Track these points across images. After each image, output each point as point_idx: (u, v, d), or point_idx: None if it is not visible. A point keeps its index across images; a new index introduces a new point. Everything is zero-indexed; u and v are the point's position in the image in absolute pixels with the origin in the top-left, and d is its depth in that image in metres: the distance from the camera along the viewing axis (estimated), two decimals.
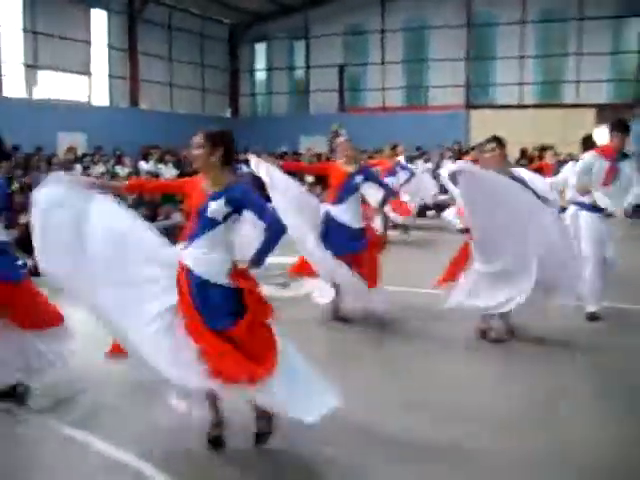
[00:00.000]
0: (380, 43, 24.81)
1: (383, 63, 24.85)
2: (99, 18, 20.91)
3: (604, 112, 20.02)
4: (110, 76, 21.40)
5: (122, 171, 16.47)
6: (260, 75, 27.56)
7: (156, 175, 17.14)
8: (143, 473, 4.20)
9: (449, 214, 15.04)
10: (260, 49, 27.28)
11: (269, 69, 27.24)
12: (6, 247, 5.30)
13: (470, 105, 23.88)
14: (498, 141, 6.41)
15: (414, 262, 11.95)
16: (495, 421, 4.87)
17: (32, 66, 18.59)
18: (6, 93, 17.90)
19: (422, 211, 18.27)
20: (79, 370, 5.99)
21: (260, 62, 27.46)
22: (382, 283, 7.39)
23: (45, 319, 5.36)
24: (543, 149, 18.98)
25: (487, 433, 4.67)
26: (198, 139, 4.30)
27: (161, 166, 17.97)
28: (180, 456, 4.37)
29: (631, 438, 4.59)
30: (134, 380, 5.00)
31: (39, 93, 18.77)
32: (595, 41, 22.04)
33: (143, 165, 17.81)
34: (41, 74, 18.84)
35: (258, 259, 4.22)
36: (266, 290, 6.84)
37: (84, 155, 17.07)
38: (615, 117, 7.67)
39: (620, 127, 7.00)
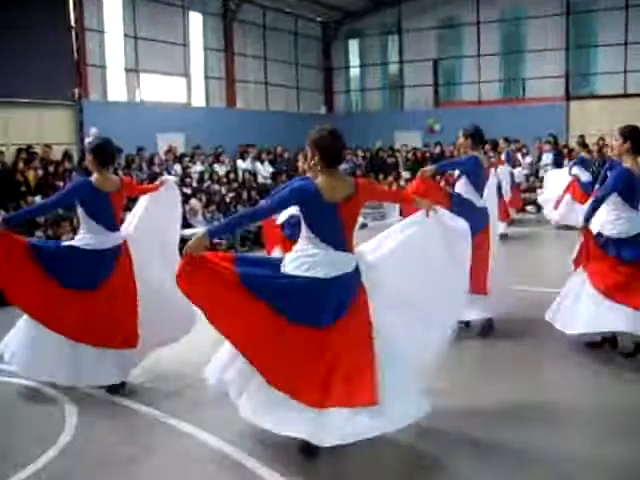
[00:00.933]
0: (475, 35, 24.34)
1: (479, 56, 24.37)
2: (195, 21, 21.36)
3: None
4: (207, 77, 21.82)
5: (220, 169, 16.82)
6: (354, 72, 27.53)
7: (253, 173, 17.45)
8: (244, 465, 4.29)
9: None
10: (353, 45, 27.25)
11: (363, 65, 27.18)
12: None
13: (570, 96, 23.13)
14: (621, 132, 6.13)
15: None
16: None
17: (133, 70, 19.16)
18: (110, 97, 18.51)
19: (522, 206, 17.89)
20: (186, 366, 6.15)
21: (354, 59, 27.42)
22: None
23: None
24: None
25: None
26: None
27: (257, 164, 18.29)
28: (279, 451, 4.39)
29: None
30: None
31: (140, 96, 19.33)
32: None
33: (240, 163, 18.16)
34: (142, 77, 19.40)
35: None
36: None
37: (182, 155, 17.48)
38: None
39: None
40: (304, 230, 4.24)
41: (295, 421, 4.05)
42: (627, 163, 5.99)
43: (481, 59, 24.33)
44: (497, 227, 7.55)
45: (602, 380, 5.62)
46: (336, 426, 3.95)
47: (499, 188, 13.35)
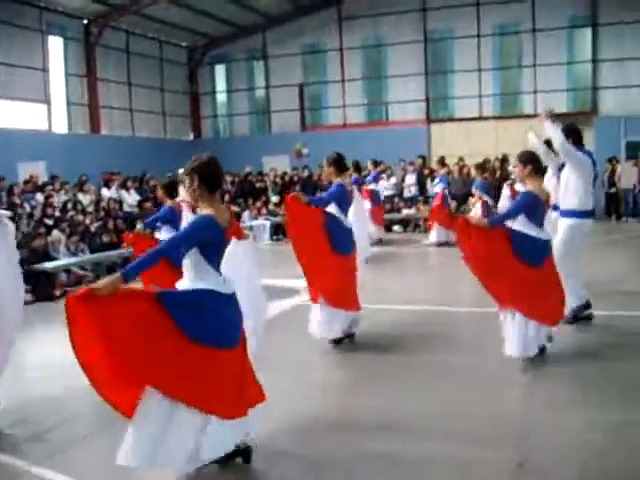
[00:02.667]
0: (339, 61, 24.94)
1: (343, 81, 24.97)
2: (55, 45, 20.74)
3: (563, 121, 20.30)
4: (69, 103, 21.21)
5: (84, 198, 16.32)
6: (221, 97, 27.53)
7: (119, 201, 17.04)
8: None
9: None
10: (220, 71, 27.27)
11: (229, 90, 27.23)
12: None
13: (431, 119, 24.09)
14: (520, 159, 6.55)
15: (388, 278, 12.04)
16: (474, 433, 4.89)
17: None
18: None
19: (388, 225, 18.45)
20: (45, 409, 5.91)
21: (220, 84, 27.43)
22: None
23: None
24: (504, 160, 19.30)
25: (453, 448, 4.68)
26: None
27: (123, 192, 17.87)
28: None
29: None
30: (105, 412, 4.90)
31: None
32: (550, 52, 22.39)
33: (105, 192, 17.68)
34: None
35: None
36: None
37: (44, 184, 16.85)
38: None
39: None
40: (197, 263, 4.25)
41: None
42: (530, 186, 6.40)
43: (345, 84, 24.93)
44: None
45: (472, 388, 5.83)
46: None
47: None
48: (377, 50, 24.82)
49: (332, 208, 7.19)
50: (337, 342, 7.32)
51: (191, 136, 26.86)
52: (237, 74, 26.82)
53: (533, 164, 6.46)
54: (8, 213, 6.31)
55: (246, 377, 4.49)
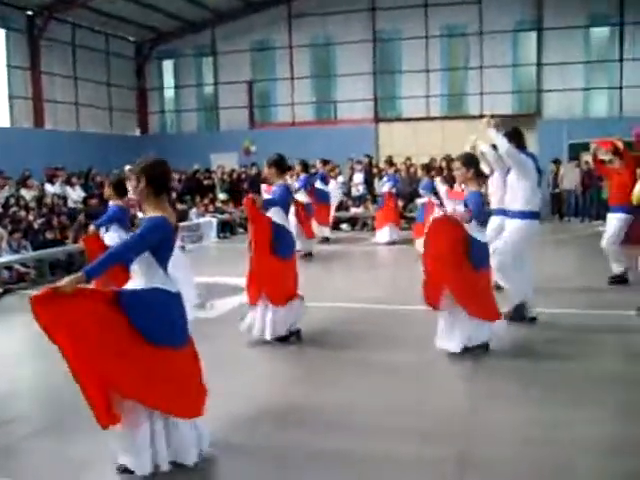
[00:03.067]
0: (288, 59, 24.93)
1: (292, 79, 24.97)
2: None
3: (508, 123, 20.63)
4: (11, 97, 20.75)
5: (28, 194, 15.99)
6: (168, 92, 27.26)
7: (63, 197, 16.74)
8: None
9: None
10: (167, 66, 26.99)
11: (177, 86, 26.98)
12: None
13: (379, 119, 24.25)
14: (462, 162, 6.60)
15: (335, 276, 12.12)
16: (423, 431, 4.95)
17: None
18: None
19: (336, 224, 18.51)
20: None
21: (168, 79, 27.16)
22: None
23: None
24: (450, 160, 19.54)
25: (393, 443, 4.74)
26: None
27: (68, 188, 17.56)
28: None
29: None
30: (53, 410, 4.82)
31: None
32: (496, 54, 22.76)
33: (49, 188, 17.34)
34: None
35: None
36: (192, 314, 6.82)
37: None
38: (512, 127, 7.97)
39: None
40: (148, 264, 4.26)
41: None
42: (473, 188, 6.45)
43: (294, 82, 24.93)
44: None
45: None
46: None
47: (309, 209, 13.94)
48: (326, 49, 24.89)
49: (275, 210, 7.33)
50: (282, 340, 7.37)
51: (138, 132, 26.52)
52: (185, 70, 26.60)
53: (475, 167, 6.60)
54: None
55: (198, 376, 4.54)
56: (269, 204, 7.31)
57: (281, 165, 7.48)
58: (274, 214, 7.31)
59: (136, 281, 4.31)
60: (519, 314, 7.74)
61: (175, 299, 4.34)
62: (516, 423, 5.07)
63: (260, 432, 5.08)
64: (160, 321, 4.22)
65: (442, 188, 7.74)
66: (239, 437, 4.99)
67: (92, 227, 7.58)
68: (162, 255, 4.29)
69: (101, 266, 4.15)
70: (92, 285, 4.34)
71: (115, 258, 4.23)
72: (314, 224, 14.75)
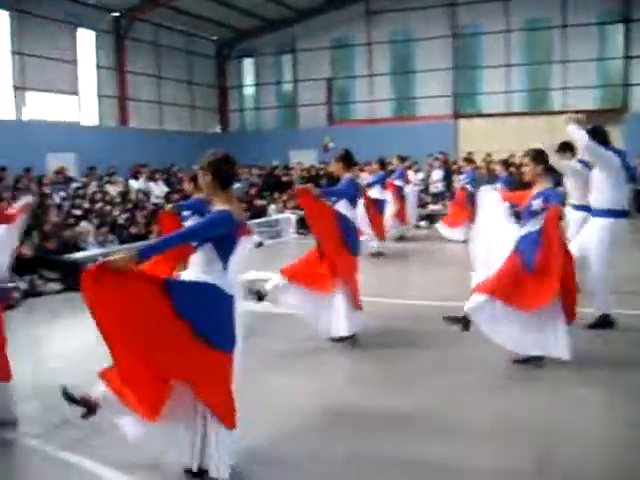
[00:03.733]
0: (367, 55, 24.94)
1: (371, 75, 24.96)
2: (86, 38, 20.96)
3: (593, 119, 20.11)
4: (99, 96, 21.43)
5: (113, 190, 16.50)
6: (248, 90, 27.64)
7: (146, 193, 17.20)
8: None
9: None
10: (248, 64, 27.38)
11: (257, 84, 27.32)
12: None
13: (458, 115, 23.98)
14: (531, 157, 6.43)
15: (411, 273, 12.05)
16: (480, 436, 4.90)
17: (21, 88, 18.60)
18: None
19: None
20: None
21: (248, 77, 27.54)
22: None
23: None
24: None
25: (474, 449, 4.69)
26: None
27: (151, 184, 18.04)
28: (177, 476, 4.36)
29: None
30: None
31: (28, 114, 18.79)
32: (580, 48, 22.20)
33: (133, 183, 17.86)
34: (30, 95, 18.86)
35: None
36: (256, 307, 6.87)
37: (87, 175, 17.14)
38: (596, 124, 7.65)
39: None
40: (208, 256, 4.22)
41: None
42: (543, 185, 6.29)
43: (373, 78, 24.89)
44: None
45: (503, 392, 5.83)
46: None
47: (382, 206, 13.70)
48: (405, 45, 24.76)
49: (342, 203, 7.28)
50: (347, 339, 7.33)
51: (218, 129, 26.99)
52: (265, 68, 26.90)
53: (545, 163, 6.37)
54: (30, 198, 6.40)
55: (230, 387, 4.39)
56: (329, 194, 7.26)
57: (348, 160, 7.47)
58: (341, 207, 7.25)
59: (192, 272, 4.27)
60: (606, 321, 7.44)
61: (228, 301, 4.24)
62: (600, 429, 4.95)
63: (327, 432, 5.10)
64: (209, 318, 4.13)
65: None
66: (302, 431, 5.04)
67: (170, 205, 7.62)
68: (224, 250, 4.22)
69: (157, 248, 4.17)
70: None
71: (173, 242, 4.21)
72: (391, 221, 14.65)
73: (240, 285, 4.87)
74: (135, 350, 4.03)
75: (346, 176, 7.40)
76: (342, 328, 7.19)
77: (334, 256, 7.08)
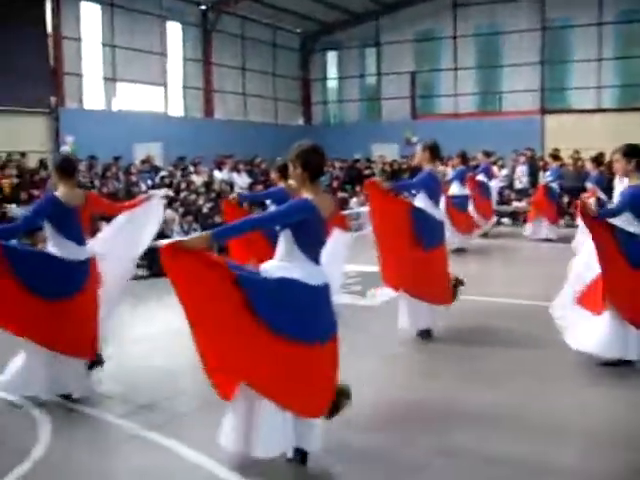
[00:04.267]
0: (452, 49, 24.58)
1: (456, 69, 24.60)
2: (174, 30, 21.35)
3: None
4: (185, 87, 21.81)
5: (198, 180, 16.77)
6: (332, 83, 27.66)
7: (230, 183, 17.42)
8: (219, 477, 4.24)
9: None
10: (331, 57, 27.39)
11: (341, 77, 27.31)
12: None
13: (545, 110, 23.40)
14: (623, 152, 6.18)
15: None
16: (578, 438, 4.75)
17: (110, 79, 19.09)
18: (86, 106, 18.42)
19: (497, 218, 18.01)
20: (162, 376, 6.14)
21: (331, 70, 27.56)
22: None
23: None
24: None
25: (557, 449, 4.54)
26: None
27: (235, 175, 18.27)
28: (257, 464, 4.37)
29: None
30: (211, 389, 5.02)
31: (117, 105, 19.27)
32: None
33: (217, 174, 18.12)
34: (119, 86, 19.34)
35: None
36: (343, 298, 6.87)
37: (176, 165, 17.57)
38: None
39: None
40: (288, 245, 4.18)
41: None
42: (635, 181, 6.07)
43: (458, 72, 24.54)
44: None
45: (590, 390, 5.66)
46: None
47: (462, 202, 13.43)
48: (491, 38, 24.30)
49: (421, 196, 7.15)
50: (425, 334, 7.24)
51: (301, 122, 27.11)
52: (349, 61, 26.85)
53: (638, 158, 6.10)
54: (162, 192, 6.61)
55: (330, 376, 4.33)
56: (400, 188, 7.17)
57: (435, 151, 7.26)
58: (418, 201, 7.15)
59: (274, 261, 4.25)
60: None
61: (310, 291, 4.14)
62: None
63: (405, 426, 5.04)
64: (286, 312, 4.06)
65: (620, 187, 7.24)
66: (375, 424, 4.98)
67: (233, 195, 7.64)
68: (303, 239, 4.14)
69: (230, 231, 4.23)
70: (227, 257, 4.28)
71: (248, 226, 4.23)
72: (475, 217, 14.39)
73: (339, 276, 4.80)
74: (208, 333, 4.04)
75: (426, 168, 7.27)
76: (421, 322, 7.14)
77: (400, 252, 6.94)
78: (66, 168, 5.62)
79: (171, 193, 5.86)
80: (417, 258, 6.95)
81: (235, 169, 18.60)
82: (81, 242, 5.60)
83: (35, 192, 13.61)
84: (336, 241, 4.84)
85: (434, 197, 7.21)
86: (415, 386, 5.87)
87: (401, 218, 6.89)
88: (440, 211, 7.40)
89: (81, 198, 5.64)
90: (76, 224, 5.55)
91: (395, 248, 6.93)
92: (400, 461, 4.43)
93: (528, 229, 15.24)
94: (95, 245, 5.84)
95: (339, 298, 4.96)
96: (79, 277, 5.51)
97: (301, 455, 4.29)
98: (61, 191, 5.53)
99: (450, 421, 5.04)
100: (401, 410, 5.30)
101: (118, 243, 5.94)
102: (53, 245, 5.49)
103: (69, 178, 5.60)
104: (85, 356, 5.59)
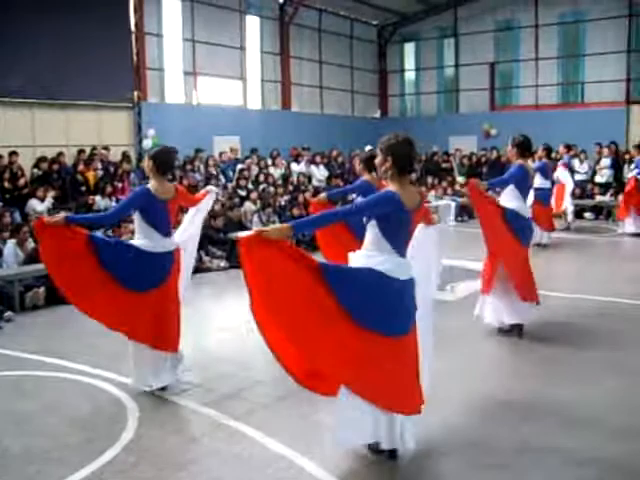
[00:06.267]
0: (533, 38, 24.00)
1: (537, 59, 24.02)
2: (252, 24, 21.52)
3: None
4: (263, 80, 21.97)
5: (276, 172, 16.91)
6: (409, 75, 27.42)
7: (307, 176, 17.50)
8: (304, 469, 4.28)
9: None
10: (409, 49, 27.13)
11: (418, 69, 27.05)
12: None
13: (631, 101, 22.64)
14: None
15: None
16: None
17: (190, 73, 19.39)
18: (167, 100, 18.77)
19: (579, 212, 17.60)
20: (245, 367, 6.23)
21: (409, 62, 27.30)
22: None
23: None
24: None
25: None
26: None
27: (312, 167, 18.34)
28: (340, 455, 4.39)
29: None
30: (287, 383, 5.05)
31: (197, 98, 19.57)
32: None
33: (295, 166, 18.23)
34: (199, 80, 19.62)
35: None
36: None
37: (248, 157, 17.79)
38: None
39: None
40: (375, 236, 4.17)
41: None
42: None
43: (539, 62, 23.97)
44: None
45: None
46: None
47: (544, 195, 13.09)
48: (575, 27, 23.60)
49: (509, 191, 7.09)
50: (511, 330, 7.13)
51: (378, 114, 26.99)
52: (426, 52, 26.54)
53: None
54: (216, 189, 6.76)
55: (415, 370, 4.31)
56: (495, 184, 7.16)
57: (525, 147, 7.18)
58: (507, 195, 7.10)
59: (362, 251, 4.24)
60: None
61: (398, 284, 4.14)
62: None
63: (491, 422, 4.97)
64: (369, 303, 4.04)
65: None
66: (465, 421, 4.92)
67: (323, 194, 7.66)
68: (389, 231, 4.12)
69: (312, 223, 4.22)
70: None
71: (330, 218, 4.23)
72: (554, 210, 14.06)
73: (430, 270, 4.76)
74: (286, 328, 4.00)
75: (516, 163, 7.14)
76: (506, 318, 7.06)
77: (504, 250, 6.96)
78: (165, 163, 5.70)
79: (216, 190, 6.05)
80: (520, 254, 7.04)
81: (312, 162, 18.68)
82: (168, 234, 5.72)
83: (118, 185, 13.99)
84: (422, 235, 4.75)
85: (523, 191, 7.15)
86: (500, 383, 5.79)
87: (499, 220, 6.94)
88: (526, 206, 7.28)
89: (172, 192, 5.75)
90: (165, 217, 5.66)
91: (503, 244, 7.00)
92: (484, 458, 4.38)
93: (627, 224, 14.72)
94: (176, 236, 5.96)
95: (434, 294, 4.90)
96: (165, 268, 5.63)
97: (389, 451, 4.31)
98: (153, 184, 5.64)
99: (536, 420, 4.95)
100: (486, 407, 5.23)
101: (189, 235, 6.14)
102: (141, 236, 5.61)
103: (164, 172, 5.70)
104: (170, 348, 5.69)
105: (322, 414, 4.97)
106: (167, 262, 5.64)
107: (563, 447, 4.48)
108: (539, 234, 12.76)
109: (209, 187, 6.61)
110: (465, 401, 5.33)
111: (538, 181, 13.18)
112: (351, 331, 4.01)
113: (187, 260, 6.06)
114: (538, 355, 6.52)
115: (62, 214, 5.72)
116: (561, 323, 7.59)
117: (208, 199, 6.27)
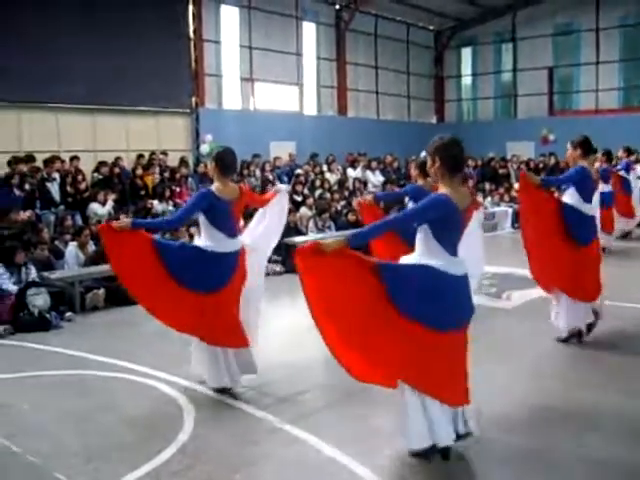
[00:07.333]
0: (594, 42, 23.56)
1: (597, 63, 23.58)
2: (309, 31, 21.64)
3: None
4: (319, 86, 22.05)
5: (332, 178, 16.95)
6: (466, 80, 27.20)
7: (363, 181, 17.50)
8: (358, 474, 4.27)
9: None
10: (466, 54, 26.92)
11: (475, 74, 26.81)
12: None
13: None
14: None
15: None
16: None
17: (247, 79, 19.57)
18: (225, 105, 18.98)
19: None
20: (300, 371, 6.26)
21: (465, 67, 27.09)
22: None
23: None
24: None
25: None
26: None
27: (368, 172, 18.34)
28: (396, 461, 4.37)
29: None
30: (347, 385, 5.04)
31: (254, 104, 19.74)
32: None
33: (351, 172, 18.25)
34: (256, 86, 19.79)
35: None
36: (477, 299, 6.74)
37: (310, 163, 17.85)
38: None
39: None
40: (426, 238, 4.18)
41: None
42: None
43: (599, 66, 23.52)
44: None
45: None
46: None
47: (609, 199, 12.81)
48: (637, 29, 23.08)
49: (570, 192, 6.92)
50: (575, 336, 6.97)
51: (434, 120, 26.83)
52: (483, 57, 26.31)
53: None
54: (286, 187, 6.76)
55: (464, 365, 4.34)
56: (550, 182, 7.08)
57: (586, 147, 7.03)
58: (567, 196, 6.94)
59: (414, 256, 4.26)
60: None
61: (449, 280, 4.14)
62: None
63: (548, 431, 4.88)
64: (424, 299, 4.07)
65: None
66: (513, 425, 4.84)
67: (369, 196, 7.63)
68: (441, 234, 4.14)
69: (367, 234, 4.22)
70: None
71: (384, 227, 4.26)
72: (615, 216, 13.75)
73: (477, 267, 4.72)
74: (345, 331, 4.10)
75: (578, 164, 6.99)
76: (562, 323, 6.92)
77: (554, 249, 6.80)
78: (228, 164, 5.75)
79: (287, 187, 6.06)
80: (571, 256, 6.80)
81: (368, 167, 18.67)
82: (233, 235, 5.76)
83: (176, 189, 14.19)
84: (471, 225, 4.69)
85: (585, 193, 6.93)
86: (562, 392, 5.67)
87: (552, 214, 6.77)
88: (590, 206, 7.06)
89: (236, 192, 5.79)
90: (230, 217, 5.70)
91: (548, 245, 6.81)
92: (541, 465, 4.31)
93: None
94: (245, 237, 6.00)
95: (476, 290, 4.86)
96: (229, 268, 5.66)
97: (442, 452, 4.30)
98: (216, 186, 5.70)
99: (598, 431, 4.84)
100: (547, 416, 5.13)
101: (259, 235, 6.10)
102: (206, 237, 5.68)
103: (228, 173, 5.75)
104: (241, 344, 5.75)
105: (377, 419, 4.98)
106: (231, 262, 5.67)
107: (627, 460, 4.37)
108: (605, 238, 12.49)
109: (279, 186, 6.63)
110: (526, 409, 5.25)
111: (600, 186, 12.96)
112: (405, 327, 4.09)
113: (260, 258, 6.08)
114: (603, 364, 6.37)
115: (128, 219, 5.83)
116: (629, 333, 7.39)
117: (280, 198, 6.22)
